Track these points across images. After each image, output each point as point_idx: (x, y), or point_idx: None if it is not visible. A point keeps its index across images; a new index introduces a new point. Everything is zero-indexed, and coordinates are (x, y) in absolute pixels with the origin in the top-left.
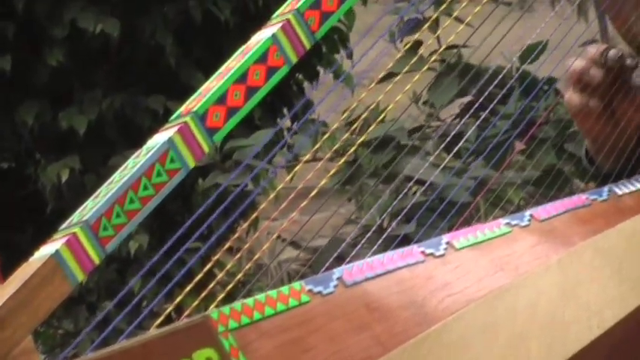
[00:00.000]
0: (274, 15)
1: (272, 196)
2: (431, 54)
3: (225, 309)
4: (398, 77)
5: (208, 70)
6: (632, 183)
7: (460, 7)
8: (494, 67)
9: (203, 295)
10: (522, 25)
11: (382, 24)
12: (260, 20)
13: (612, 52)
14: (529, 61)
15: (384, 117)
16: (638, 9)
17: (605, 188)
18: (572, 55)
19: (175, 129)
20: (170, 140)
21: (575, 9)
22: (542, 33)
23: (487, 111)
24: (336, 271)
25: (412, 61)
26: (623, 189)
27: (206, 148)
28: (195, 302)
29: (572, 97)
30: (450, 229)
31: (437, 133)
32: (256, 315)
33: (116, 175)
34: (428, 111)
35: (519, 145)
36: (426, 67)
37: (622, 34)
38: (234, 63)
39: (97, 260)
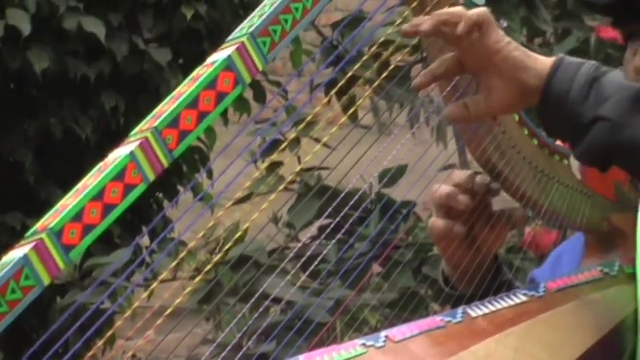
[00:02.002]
0: (132, 132)
1: (128, 314)
2: (290, 174)
3: None
4: (257, 197)
5: (68, 188)
6: (486, 305)
7: (319, 128)
8: (352, 189)
9: None
10: (380, 148)
11: (243, 143)
12: (120, 138)
13: (479, 178)
14: (387, 183)
15: (244, 236)
16: (492, 132)
17: (460, 310)
18: (430, 178)
19: (31, 245)
20: (25, 257)
21: (434, 133)
22: (401, 156)
23: (344, 232)
24: None
25: (272, 182)
26: (477, 311)
27: (62, 265)
28: None
29: (436, 222)
30: (308, 348)
31: (295, 254)
32: None
33: None
34: (287, 231)
35: (376, 267)
36: (282, 186)
37: (476, 157)
38: (91, 180)
39: None
